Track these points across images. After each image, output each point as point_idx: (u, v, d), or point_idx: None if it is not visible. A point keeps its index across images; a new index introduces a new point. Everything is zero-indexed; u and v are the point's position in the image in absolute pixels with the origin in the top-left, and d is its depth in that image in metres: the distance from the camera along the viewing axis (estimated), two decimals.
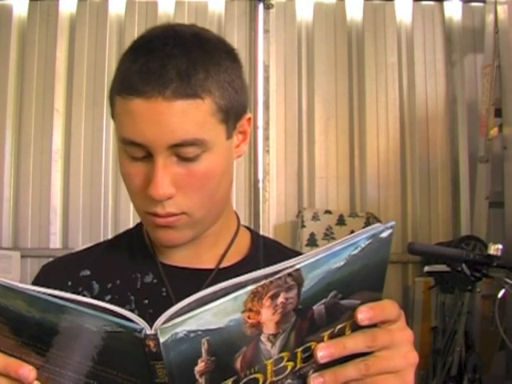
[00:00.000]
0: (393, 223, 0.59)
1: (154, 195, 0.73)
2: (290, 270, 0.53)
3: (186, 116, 0.72)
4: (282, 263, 0.54)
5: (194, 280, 0.82)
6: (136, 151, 0.74)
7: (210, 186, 0.76)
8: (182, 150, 0.73)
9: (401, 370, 0.60)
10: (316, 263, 0.54)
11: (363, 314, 0.58)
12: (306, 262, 0.54)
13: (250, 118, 0.83)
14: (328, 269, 0.55)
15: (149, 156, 0.74)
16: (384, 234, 0.58)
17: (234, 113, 0.77)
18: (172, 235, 0.78)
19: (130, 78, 0.72)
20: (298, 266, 0.53)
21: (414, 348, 0.62)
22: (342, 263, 0.56)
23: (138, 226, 0.91)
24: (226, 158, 0.79)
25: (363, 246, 0.57)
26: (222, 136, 0.77)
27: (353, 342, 0.58)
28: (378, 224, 0.59)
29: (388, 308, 0.60)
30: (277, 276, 0.52)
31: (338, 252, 0.55)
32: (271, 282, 0.52)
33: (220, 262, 0.85)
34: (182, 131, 0.72)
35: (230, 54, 0.79)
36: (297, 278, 0.54)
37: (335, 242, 0.56)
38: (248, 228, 0.93)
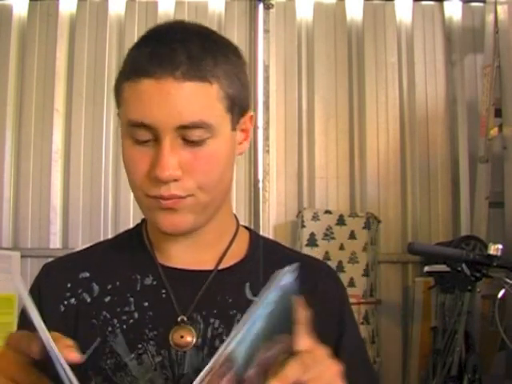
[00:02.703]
0: (293, 267, 0.61)
1: (161, 176, 0.73)
2: (222, 360, 0.55)
3: (194, 98, 0.73)
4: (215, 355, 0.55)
5: (194, 281, 0.82)
6: (142, 134, 0.74)
7: (215, 171, 0.77)
8: (189, 133, 0.74)
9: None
10: (242, 339, 0.56)
11: None
12: (232, 345, 0.56)
13: (251, 117, 0.84)
14: (252, 338, 0.57)
15: (154, 140, 0.74)
16: (287, 280, 0.60)
17: (239, 105, 0.79)
18: (175, 219, 0.78)
19: (139, 61, 0.74)
20: (228, 351, 0.55)
21: (334, 361, 0.63)
22: (265, 324, 0.58)
23: (138, 227, 0.91)
24: (230, 148, 0.80)
25: (275, 299, 0.59)
26: (228, 125, 0.78)
27: None
28: (277, 271, 0.60)
29: (292, 368, 0.59)
30: (213, 370, 0.55)
31: (256, 318, 0.57)
32: (211, 376, 0.54)
33: (219, 263, 0.85)
34: (189, 113, 0.73)
35: (235, 50, 0.81)
36: (230, 360, 0.56)
37: (250, 309, 0.58)
38: (247, 228, 0.93)
